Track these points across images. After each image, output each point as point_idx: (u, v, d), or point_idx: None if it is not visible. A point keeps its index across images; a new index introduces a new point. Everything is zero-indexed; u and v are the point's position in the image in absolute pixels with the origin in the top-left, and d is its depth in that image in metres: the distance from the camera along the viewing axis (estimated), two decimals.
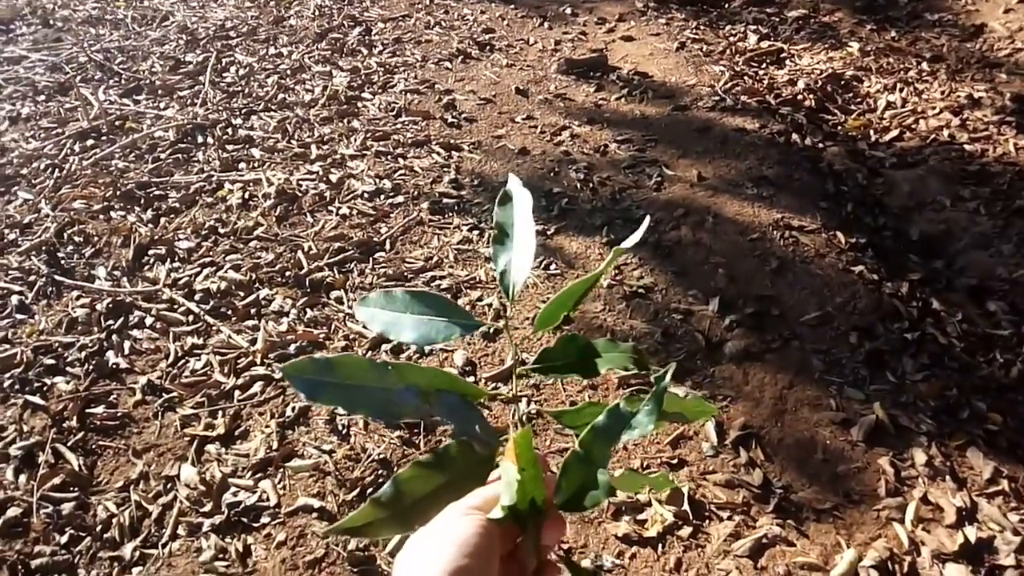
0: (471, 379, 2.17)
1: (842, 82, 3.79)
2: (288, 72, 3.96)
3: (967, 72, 3.80)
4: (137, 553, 1.79)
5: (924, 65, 3.89)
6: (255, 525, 1.84)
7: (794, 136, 3.29)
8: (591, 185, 3.01)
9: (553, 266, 2.58)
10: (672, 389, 2.08)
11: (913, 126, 3.44)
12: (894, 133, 3.40)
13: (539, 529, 0.60)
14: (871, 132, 3.44)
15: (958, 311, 2.44)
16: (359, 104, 3.64)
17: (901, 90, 3.70)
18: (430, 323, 0.71)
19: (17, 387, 2.21)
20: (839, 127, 3.48)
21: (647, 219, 0.81)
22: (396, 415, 0.65)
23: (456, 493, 0.60)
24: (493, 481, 0.63)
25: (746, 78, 3.79)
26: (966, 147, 3.24)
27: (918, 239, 2.79)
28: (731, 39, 4.25)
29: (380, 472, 1.94)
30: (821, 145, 3.30)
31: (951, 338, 2.33)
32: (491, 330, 2.34)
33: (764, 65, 3.99)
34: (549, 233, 2.74)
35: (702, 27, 4.39)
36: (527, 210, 0.77)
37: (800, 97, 3.65)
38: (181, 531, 1.84)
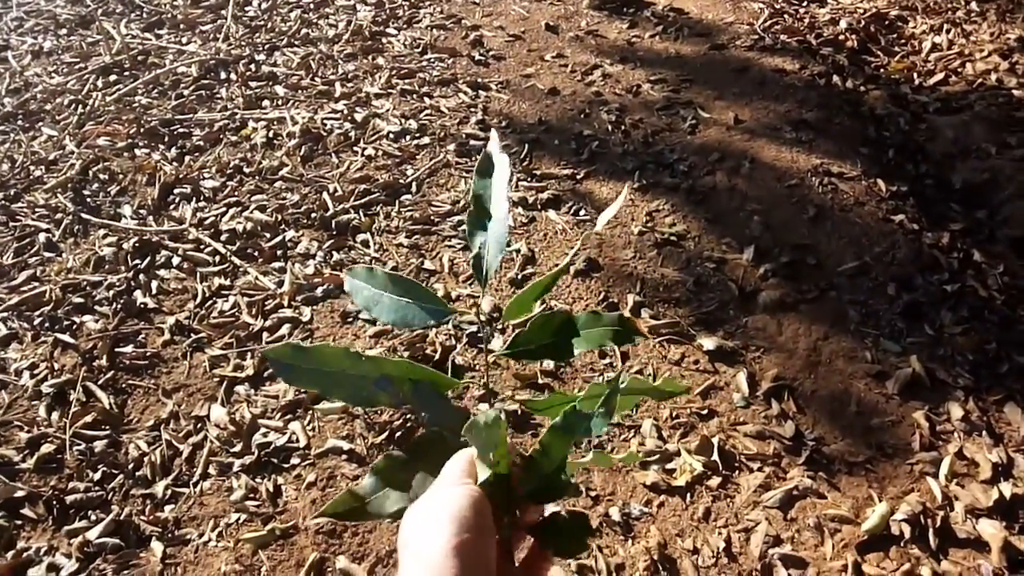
0: (499, 326, 2.15)
1: (886, 22, 3.63)
2: (311, 6, 3.86)
3: (1018, 13, 3.62)
4: (169, 491, 1.81)
5: (973, 5, 3.72)
6: (285, 466, 1.85)
7: (835, 78, 3.17)
8: (623, 127, 2.92)
9: (583, 212, 2.52)
10: (702, 340, 2.04)
11: (959, 69, 3.30)
12: (939, 77, 3.26)
13: (510, 509, 0.63)
14: (915, 75, 3.30)
15: (1000, 263, 2.37)
16: (384, 40, 3.55)
17: (948, 31, 3.54)
18: (407, 307, 0.73)
19: (47, 325, 2.22)
20: (882, 69, 3.35)
21: (625, 191, 0.83)
22: (371, 402, 0.68)
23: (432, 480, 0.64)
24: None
25: (786, 16, 3.64)
26: (1014, 92, 3.10)
27: (961, 188, 2.69)
28: None
29: (407, 416, 1.94)
30: (863, 88, 3.17)
31: (992, 291, 2.27)
32: (519, 276, 2.30)
33: (805, 3, 3.82)
34: (579, 177, 2.67)
35: None
36: (505, 182, 0.76)
37: (842, 37, 3.50)
38: (212, 470, 1.85)
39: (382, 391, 0.67)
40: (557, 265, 2.33)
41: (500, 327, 2.14)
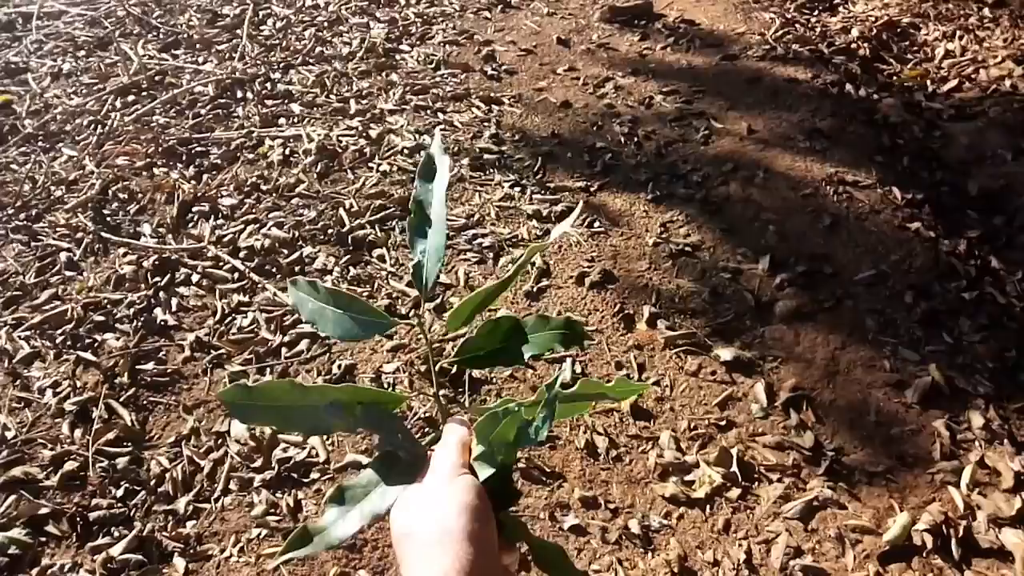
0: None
1: (898, 30, 3.63)
2: (325, 24, 3.91)
3: None
4: (191, 507, 1.83)
5: (985, 11, 3.71)
6: (305, 481, 1.86)
7: (848, 87, 3.17)
8: (636, 139, 2.93)
9: (597, 224, 2.53)
10: (719, 350, 2.03)
11: (973, 76, 3.29)
12: (952, 83, 3.25)
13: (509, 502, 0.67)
14: (928, 83, 3.29)
15: (1018, 270, 2.36)
16: (397, 56, 3.59)
17: (960, 38, 3.53)
18: (349, 320, 0.73)
19: (69, 343, 2.24)
20: (895, 77, 3.34)
21: (578, 208, 0.84)
22: (325, 430, 0.70)
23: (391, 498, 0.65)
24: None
25: (797, 26, 3.65)
26: None
27: (977, 194, 2.68)
28: None
29: (425, 429, 1.95)
30: (876, 96, 3.17)
31: (1010, 297, 2.26)
32: (535, 288, 2.31)
33: (816, 12, 3.83)
34: (592, 190, 2.69)
35: None
36: (444, 187, 0.76)
37: (854, 46, 3.50)
38: (233, 486, 1.87)
39: (334, 418, 0.67)
40: (572, 278, 2.34)
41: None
